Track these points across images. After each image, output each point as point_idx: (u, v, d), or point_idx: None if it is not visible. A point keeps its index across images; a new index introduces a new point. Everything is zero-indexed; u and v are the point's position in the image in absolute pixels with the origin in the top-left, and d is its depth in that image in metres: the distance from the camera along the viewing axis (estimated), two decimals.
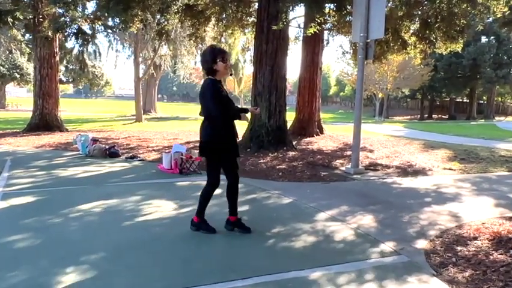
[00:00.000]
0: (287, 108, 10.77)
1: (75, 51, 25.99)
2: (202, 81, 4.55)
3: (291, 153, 9.67)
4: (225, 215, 4.52)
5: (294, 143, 11.02)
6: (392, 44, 12.18)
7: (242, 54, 31.27)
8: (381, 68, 35.70)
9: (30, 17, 14.86)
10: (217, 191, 6.17)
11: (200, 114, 4.17)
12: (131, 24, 11.11)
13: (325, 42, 15.46)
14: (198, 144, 12.16)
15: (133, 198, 5.59)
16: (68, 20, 12.08)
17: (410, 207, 5.40)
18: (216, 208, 5.20)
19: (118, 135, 14.40)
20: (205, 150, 4.20)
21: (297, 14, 50.98)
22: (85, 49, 22.94)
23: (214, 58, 4.06)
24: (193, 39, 14.14)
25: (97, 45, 25.84)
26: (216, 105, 3.99)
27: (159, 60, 29.90)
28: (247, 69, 40.72)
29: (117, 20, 11.42)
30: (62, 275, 3.18)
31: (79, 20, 13.20)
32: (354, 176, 7.53)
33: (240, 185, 6.49)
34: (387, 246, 3.95)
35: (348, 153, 9.89)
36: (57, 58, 15.85)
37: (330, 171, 7.98)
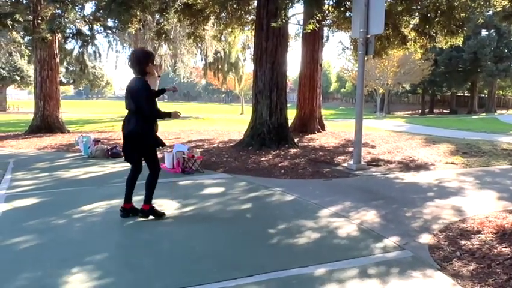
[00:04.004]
0: (288, 105, 10.76)
1: (75, 53, 25.98)
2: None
3: (293, 151, 9.66)
4: (229, 213, 4.52)
5: (295, 140, 11.02)
6: (392, 39, 12.14)
7: (242, 52, 31.26)
8: (382, 64, 35.66)
9: (30, 18, 14.86)
10: (219, 189, 6.18)
11: (127, 108, 4.49)
12: (130, 25, 11.08)
13: (325, 39, 15.45)
14: (200, 143, 12.10)
15: (136, 198, 5.57)
16: (64, 21, 12.05)
17: (413, 202, 5.40)
18: (220, 206, 5.20)
19: (119, 136, 14.35)
20: (143, 142, 4.50)
21: (297, 11, 50.97)
22: (84, 50, 22.94)
23: (147, 60, 4.44)
24: (193, 38, 14.12)
25: (96, 46, 25.75)
26: (150, 105, 4.35)
27: (159, 60, 29.87)
28: (247, 67, 40.66)
29: (117, 20, 11.40)
30: (67, 276, 3.18)
31: (78, 21, 13.18)
32: (357, 172, 7.53)
33: (242, 183, 6.57)
34: (391, 241, 3.95)
35: (350, 149, 9.88)
36: (58, 60, 15.83)
37: (333, 167, 7.97)
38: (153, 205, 4.66)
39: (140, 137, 4.47)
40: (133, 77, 4.52)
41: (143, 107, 4.34)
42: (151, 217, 4.70)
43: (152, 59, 4.54)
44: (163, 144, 4.73)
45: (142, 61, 4.44)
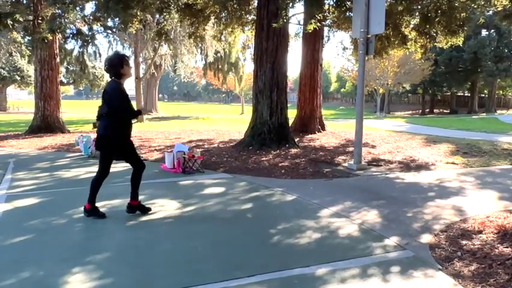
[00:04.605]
0: (288, 105, 10.76)
1: (75, 53, 26.05)
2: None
3: (293, 151, 9.66)
4: (229, 213, 4.52)
5: (296, 140, 11.02)
6: (392, 39, 12.15)
7: (242, 52, 31.28)
8: (382, 64, 35.63)
9: (30, 18, 14.86)
10: (220, 189, 6.19)
11: (100, 112, 4.63)
12: (130, 25, 11.09)
13: (325, 39, 15.45)
14: (200, 143, 12.11)
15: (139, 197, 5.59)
16: (65, 21, 12.05)
17: (413, 202, 5.40)
18: (221, 206, 5.20)
19: None
20: (105, 144, 4.62)
21: (297, 11, 50.94)
22: (85, 50, 22.98)
23: (121, 63, 4.57)
24: (193, 38, 14.12)
25: (96, 46, 25.84)
26: (122, 105, 4.48)
27: (159, 60, 29.90)
28: (247, 67, 40.67)
29: (116, 20, 11.40)
30: (68, 276, 3.18)
31: (78, 21, 13.17)
32: (357, 172, 7.52)
33: (243, 183, 6.57)
34: (392, 241, 3.95)
35: (351, 149, 9.88)
36: (58, 60, 15.83)
37: (333, 167, 7.97)
38: (96, 205, 4.74)
39: (106, 139, 4.59)
40: (109, 80, 4.65)
41: (116, 108, 4.47)
42: (150, 217, 4.71)
43: (126, 61, 4.65)
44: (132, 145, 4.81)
45: (115, 64, 4.55)
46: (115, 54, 4.81)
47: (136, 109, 4.77)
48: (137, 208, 4.81)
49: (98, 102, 4.93)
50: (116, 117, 4.52)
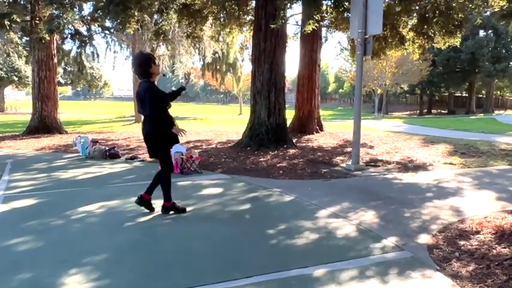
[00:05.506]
0: (286, 105, 10.76)
1: (73, 53, 26.00)
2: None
3: (291, 151, 9.66)
4: (228, 213, 4.51)
5: (294, 140, 11.02)
6: (390, 40, 12.15)
7: (240, 52, 31.27)
8: (380, 64, 35.68)
9: (27, 19, 14.83)
10: (218, 190, 6.18)
11: (138, 111, 4.76)
12: (128, 25, 11.07)
13: (323, 39, 15.46)
14: (198, 144, 12.09)
15: (134, 199, 5.58)
16: (63, 21, 12.02)
17: (411, 203, 5.40)
18: (219, 207, 5.20)
19: (117, 136, 14.39)
20: (154, 142, 4.72)
21: (295, 12, 51.00)
22: (82, 51, 22.94)
23: (149, 62, 4.61)
24: (191, 38, 14.10)
25: (94, 46, 25.79)
26: (152, 106, 4.50)
27: (157, 61, 29.81)
28: (245, 68, 40.69)
29: (115, 21, 11.38)
30: (65, 277, 3.17)
31: (76, 21, 13.15)
32: (355, 172, 7.52)
33: (241, 184, 6.58)
34: (390, 242, 3.95)
35: (349, 149, 9.89)
36: (55, 60, 15.82)
37: (331, 168, 7.97)
38: (174, 202, 4.88)
39: (152, 136, 4.68)
40: (140, 81, 4.66)
41: (150, 108, 4.51)
42: (149, 218, 4.70)
43: (153, 60, 4.69)
44: (177, 141, 4.85)
45: (145, 64, 4.59)
46: (142, 54, 4.88)
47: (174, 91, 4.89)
48: (146, 203, 4.86)
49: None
50: (156, 115, 4.57)
